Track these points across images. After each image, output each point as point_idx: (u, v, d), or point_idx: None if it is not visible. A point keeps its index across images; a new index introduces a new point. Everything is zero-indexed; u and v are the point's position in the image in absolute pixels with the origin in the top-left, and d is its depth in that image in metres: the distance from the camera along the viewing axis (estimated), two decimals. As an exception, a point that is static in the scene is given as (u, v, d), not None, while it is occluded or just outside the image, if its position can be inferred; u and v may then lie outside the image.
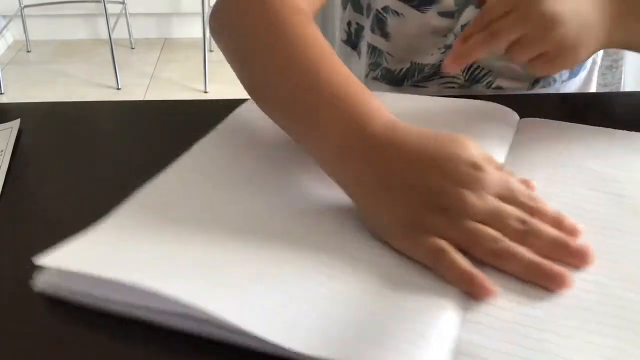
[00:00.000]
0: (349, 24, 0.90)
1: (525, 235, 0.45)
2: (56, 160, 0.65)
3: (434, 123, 0.66)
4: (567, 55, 0.60)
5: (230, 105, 0.74)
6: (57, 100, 0.79)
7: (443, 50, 0.82)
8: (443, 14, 0.80)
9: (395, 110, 0.66)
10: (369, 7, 0.86)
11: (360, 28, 0.88)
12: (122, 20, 3.23)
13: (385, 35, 0.84)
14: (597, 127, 0.65)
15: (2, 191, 0.59)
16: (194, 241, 0.47)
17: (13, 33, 3.31)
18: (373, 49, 0.86)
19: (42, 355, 0.42)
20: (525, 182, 0.52)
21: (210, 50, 2.97)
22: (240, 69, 0.62)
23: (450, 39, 0.81)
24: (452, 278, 0.43)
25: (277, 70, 0.57)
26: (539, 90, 0.84)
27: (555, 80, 0.84)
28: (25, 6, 3.13)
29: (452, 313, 0.41)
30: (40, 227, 0.54)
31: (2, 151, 0.64)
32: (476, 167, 0.47)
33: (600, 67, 1.47)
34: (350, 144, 0.50)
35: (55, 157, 0.65)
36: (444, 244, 0.44)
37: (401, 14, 0.81)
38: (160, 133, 0.68)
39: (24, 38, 3.22)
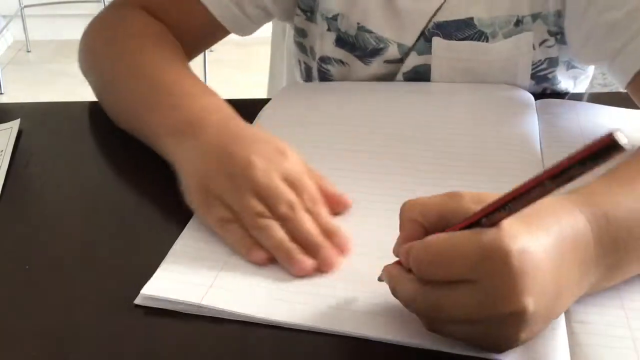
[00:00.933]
0: (299, 62, 0.86)
1: (287, 221, 0.48)
2: (56, 160, 0.65)
3: (455, 107, 0.68)
4: (506, 346, 0.40)
5: (230, 105, 0.73)
6: (57, 100, 0.79)
7: None
8: (389, 62, 0.76)
9: (411, 99, 0.70)
10: (312, 50, 0.82)
11: (308, 68, 0.85)
12: (122, 20, 3.23)
13: None
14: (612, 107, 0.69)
15: (2, 191, 0.58)
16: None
17: (13, 33, 3.30)
18: None
19: (43, 354, 0.42)
20: (332, 196, 0.53)
21: (210, 51, 2.97)
22: (102, 90, 0.71)
23: None
24: (233, 242, 0.49)
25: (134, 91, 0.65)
26: None
27: None
28: (25, 6, 3.12)
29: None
30: (40, 227, 0.54)
31: (2, 151, 0.64)
32: (280, 152, 0.52)
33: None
34: (183, 122, 0.57)
35: (55, 157, 0.65)
36: (226, 214, 0.49)
37: (346, 63, 0.78)
38: (161, 133, 0.68)
39: (24, 38, 3.21)
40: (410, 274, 0.40)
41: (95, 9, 3.21)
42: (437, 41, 0.72)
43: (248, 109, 0.71)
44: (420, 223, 0.41)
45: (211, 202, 0.51)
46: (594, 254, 0.40)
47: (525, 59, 0.72)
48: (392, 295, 0.42)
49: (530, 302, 0.36)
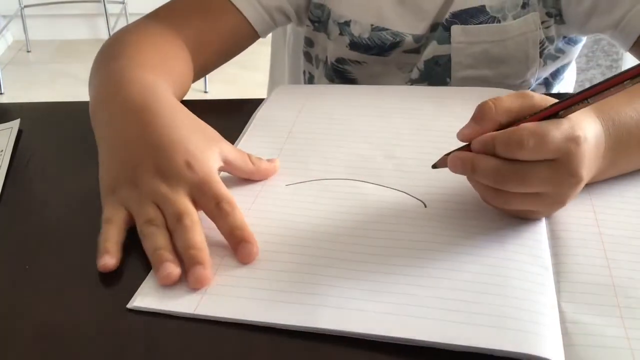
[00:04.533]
0: (304, 72, 0.91)
1: (173, 232, 0.49)
2: (56, 160, 0.65)
3: (449, 111, 0.69)
4: (560, 207, 0.52)
5: (230, 105, 0.74)
6: (57, 100, 0.79)
7: (410, 84, 0.83)
8: (407, 51, 0.81)
9: (408, 99, 0.72)
10: (317, 58, 0.87)
11: (311, 77, 0.89)
12: (122, 20, 3.23)
13: (351, 81, 0.84)
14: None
15: (2, 191, 0.59)
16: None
17: (13, 33, 3.31)
18: None
19: (43, 354, 0.42)
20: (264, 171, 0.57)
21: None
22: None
23: (414, 73, 0.82)
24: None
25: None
26: None
27: None
28: (25, 6, 3.13)
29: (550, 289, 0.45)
30: (40, 226, 0.55)
31: (2, 151, 0.64)
32: (189, 165, 0.52)
33: (601, 66, 1.48)
34: (110, 92, 0.60)
35: (55, 157, 0.65)
36: (113, 215, 0.51)
37: (362, 61, 0.82)
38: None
39: (24, 38, 3.21)
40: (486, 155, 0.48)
41: (95, 9, 3.22)
42: (455, 28, 0.78)
43: (248, 108, 0.71)
44: (499, 121, 0.49)
45: (117, 206, 0.52)
46: (604, 149, 0.52)
47: (533, 36, 0.78)
48: (386, 292, 0.44)
49: (585, 174, 0.49)
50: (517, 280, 0.45)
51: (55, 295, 0.47)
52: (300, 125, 0.67)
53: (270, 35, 1.01)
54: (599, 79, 1.67)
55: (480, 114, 0.50)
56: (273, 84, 1.06)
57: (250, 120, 0.69)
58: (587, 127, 0.49)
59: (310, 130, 0.66)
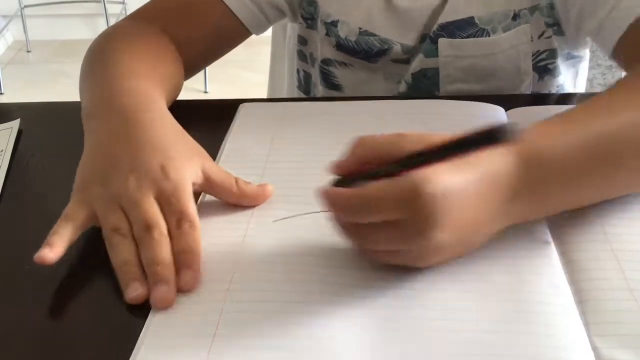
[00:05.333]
0: (298, 71, 0.88)
1: (139, 243, 0.47)
2: (56, 160, 0.65)
3: (424, 126, 0.65)
4: (425, 264, 0.48)
5: (230, 105, 0.74)
6: (57, 100, 0.79)
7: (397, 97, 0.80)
8: (395, 61, 0.78)
9: (381, 115, 0.68)
10: (311, 56, 0.84)
11: (307, 75, 0.87)
12: (122, 20, 3.24)
13: (335, 87, 0.82)
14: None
15: (2, 191, 0.59)
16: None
17: (13, 33, 3.30)
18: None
19: (42, 354, 0.42)
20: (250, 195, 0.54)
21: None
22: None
23: (402, 86, 0.80)
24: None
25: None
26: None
27: None
28: (25, 6, 3.12)
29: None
30: (40, 226, 0.54)
31: (2, 151, 0.64)
32: (164, 169, 0.50)
33: (600, 66, 1.47)
34: (99, 102, 0.59)
35: (55, 157, 0.65)
36: (75, 212, 0.49)
37: (349, 64, 0.80)
38: (160, 133, 0.68)
39: (24, 38, 3.21)
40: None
41: (95, 9, 3.21)
42: (442, 42, 0.76)
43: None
44: (365, 157, 0.47)
45: (81, 204, 0.50)
46: (513, 193, 0.46)
47: (524, 48, 0.76)
48: (398, 342, 0.42)
49: (438, 235, 0.44)
50: (543, 316, 0.43)
51: (55, 295, 0.47)
52: (276, 155, 0.62)
53: (271, 35, 1.01)
54: (599, 79, 1.65)
55: (351, 148, 0.48)
56: (273, 84, 1.06)
57: (220, 150, 0.64)
58: (451, 178, 0.43)
59: (287, 162, 0.62)
